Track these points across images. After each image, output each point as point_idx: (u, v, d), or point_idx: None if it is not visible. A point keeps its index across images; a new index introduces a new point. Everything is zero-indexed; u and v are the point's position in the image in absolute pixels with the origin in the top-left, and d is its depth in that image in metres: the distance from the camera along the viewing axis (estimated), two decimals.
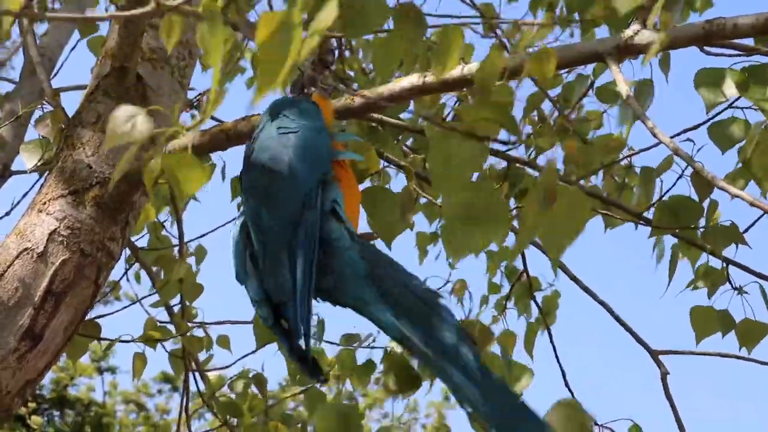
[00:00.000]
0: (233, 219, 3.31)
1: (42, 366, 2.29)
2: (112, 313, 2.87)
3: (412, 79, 2.05)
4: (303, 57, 1.12)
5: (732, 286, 2.37)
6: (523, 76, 1.58)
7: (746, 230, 2.27)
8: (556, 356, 2.30)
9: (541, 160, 2.41)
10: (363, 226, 2.31)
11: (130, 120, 1.43)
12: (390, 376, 3.54)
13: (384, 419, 16.03)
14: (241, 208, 2.07)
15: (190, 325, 3.02)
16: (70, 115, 2.50)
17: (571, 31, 4.32)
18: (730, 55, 2.01)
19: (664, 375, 2.12)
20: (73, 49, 3.24)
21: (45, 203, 2.32)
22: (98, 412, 13.84)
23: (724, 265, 2.35)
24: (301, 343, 1.93)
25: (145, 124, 1.44)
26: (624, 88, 1.80)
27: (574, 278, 2.34)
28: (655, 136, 1.74)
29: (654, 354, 2.16)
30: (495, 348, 2.34)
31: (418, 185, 2.33)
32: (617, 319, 2.23)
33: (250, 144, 2.12)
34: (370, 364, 3.44)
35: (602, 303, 2.25)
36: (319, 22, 1.12)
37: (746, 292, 2.38)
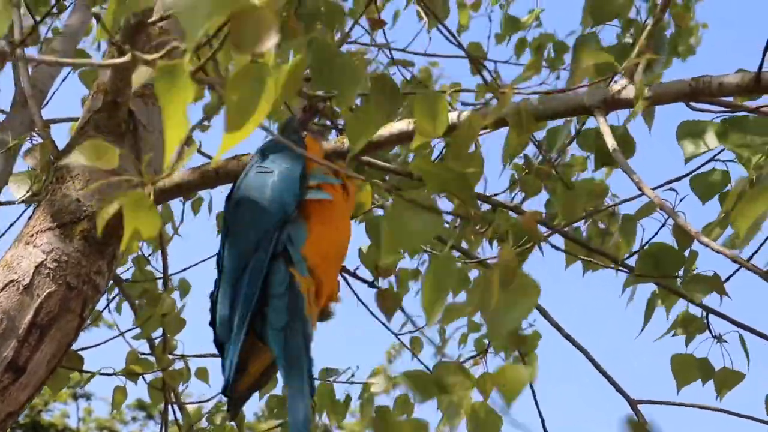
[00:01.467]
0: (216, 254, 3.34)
1: (24, 398, 2.29)
2: (96, 345, 2.88)
3: (401, 126, 2.08)
4: (267, 110, 1.13)
5: (711, 334, 2.40)
6: (511, 141, 1.62)
7: (727, 280, 2.30)
8: (536, 401, 2.32)
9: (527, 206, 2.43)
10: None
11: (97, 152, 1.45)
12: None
13: None
14: None
15: (170, 357, 3.04)
16: (60, 147, 2.52)
17: (557, 74, 4.38)
18: (715, 112, 2.04)
19: (642, 425, 2.14)
20: (64, 80, 3.26)
21: (32, 236, 2.33)
22: None
23: (704, 313, 2.37)
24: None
25: (112, 155, 1.45)
26: (611, 142, 1.83)
27: (555, 325, 2.37)
28: (640, 189, 1.77)
29: (633, 404, 2.18)
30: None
31: None
32: (597, 367, 2.25)
33: (235, 182, 2.15)
34: (347, 399, 3.47)
35: (583, 350, 2.28)
36: (284, 70, 1.14)
37: (725, 341, 2.41)
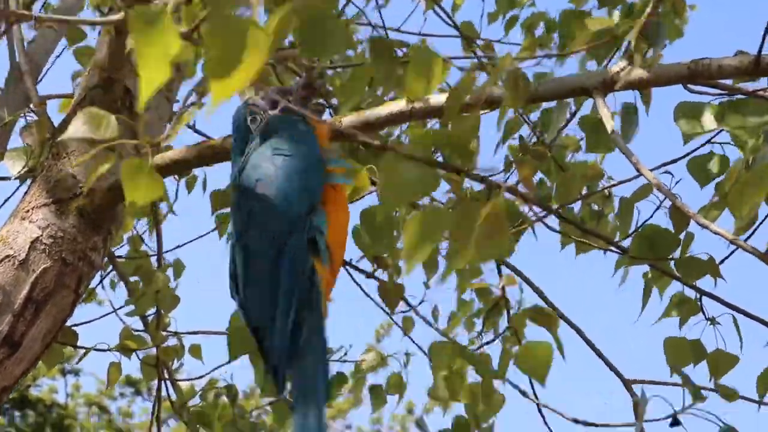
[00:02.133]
0: (211, 231, 3.34)
1: (19, 373, 2.30)
2: (90, 321, 2.88)
3: (400, 105, 2.08)
4: (257, 62, 1.10)
5: (705, 316, 2.41)
6: (502, 106, 1.61)
7: (721, 262, 2.31)
8: (530, 381, 2.33)
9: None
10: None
11: (94, 121, 1.43)
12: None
13: (347, 430, 16.04)
14: (230, 225, 2.09)
15: (164, 334, 3.04)
16: (55, 124, 2.52)
17: (549, 53, 4.37)
18: (712, 94, 2.04)
19: (636, 404, 2.15)
20: (58, 57, 3.25)
21: (28, 211, 2.33)
22: (60, 414, 13.76)
23: (698, 296, 2.38)
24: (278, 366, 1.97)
25: (112, 125, 1.44)
26: (609, 123, 1.83)
27: (551, 305, 2.37)
28: (638, 170, 1.78)
29: (627, 383, 2.19)
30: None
31: None
32: (592, 347, 2.26)
33: (240, 159, 2.12)
34: (341, 377, 3.48)
35: (577, 330, 2.29)
36: (270, 25, 1.12)
37: (719, 323, 2.41)
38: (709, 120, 2.02)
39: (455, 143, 1.29)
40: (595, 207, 2.79)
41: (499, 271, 2.34)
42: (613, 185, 2.55)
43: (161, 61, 1.08)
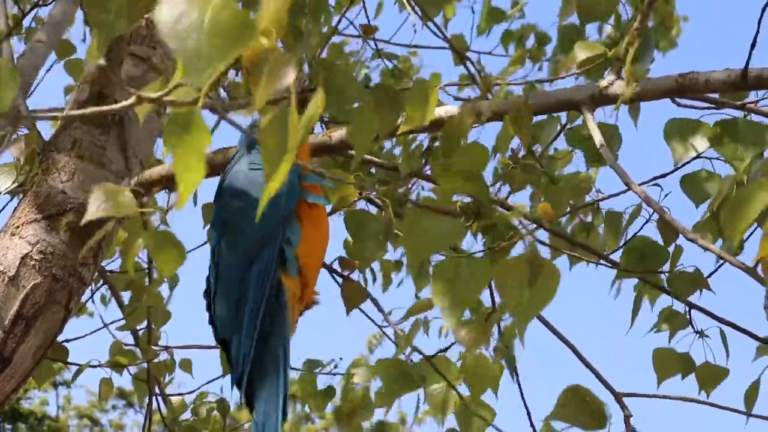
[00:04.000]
0: (202, 244, 3.34)
1: (9, 389, 2.29)
2: (82, 337, 2.87)
3: None
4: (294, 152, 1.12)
5: (694, 329, 2.42)
6: (503, 136, 1.63)
7: (709, 276, 2.32)
8: (522, 394, 2.33)
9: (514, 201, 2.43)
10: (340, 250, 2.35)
11: (112, 197, 1.44)
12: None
13: None
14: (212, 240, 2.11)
15: (155, 348, 3.04)
16: (45, 138, 2.51)
17: (539, 65, 4.39)
18: (700, 108, 2.05)
19: (627, 417, 2.15)
20: (48, 70, 3.25)
21: (18, 227, 2.33)
22: (51, 426, 13.76)
23: (687, 309, 2.39)
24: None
25: (129, 201, 1.45)
26: (598, 138, 1.84)
27: (541, 319, 2.38)
28: (627, 185, 1.79)
29: (618, 396, 2.19)
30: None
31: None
32: (583, 360, 2.27)
33: (223, 174, 2.15)
34: (330, 390, 3.48)
35: (568, 344, 2.29)
36: (310, 112, 1.13)
37: (707, 336, 2.43)
38: (701, 142, 2.02)
39: (476, 186, 1.30)
40: (585, 219, 2.80)
41: (489, 285, 2.33)
42: (603, 199, 2.55)
43: (197, 161, 1.10)
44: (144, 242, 1.56)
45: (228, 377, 3.30)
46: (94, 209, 1.37)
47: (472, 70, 3.31)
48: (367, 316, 2.66)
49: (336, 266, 2.48)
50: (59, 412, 14.30)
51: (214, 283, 2.05)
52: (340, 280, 2.45)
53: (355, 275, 2.49)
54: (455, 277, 1.26)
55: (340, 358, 3.47)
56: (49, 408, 14.08)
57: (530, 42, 4.42)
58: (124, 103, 1.34)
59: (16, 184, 2.48)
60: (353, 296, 2.39)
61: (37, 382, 2.76)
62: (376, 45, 3.69)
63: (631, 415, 2.17)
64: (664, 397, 2.26)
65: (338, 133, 2.07)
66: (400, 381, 2.38)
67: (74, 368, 3.01)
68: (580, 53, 1.86)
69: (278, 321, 2.02)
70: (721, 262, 2.29)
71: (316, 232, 2.05)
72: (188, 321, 3.18)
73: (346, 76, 1.34)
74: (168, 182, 2.31)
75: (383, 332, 3.16)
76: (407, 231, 1.28)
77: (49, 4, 3.03)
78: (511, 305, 1.25)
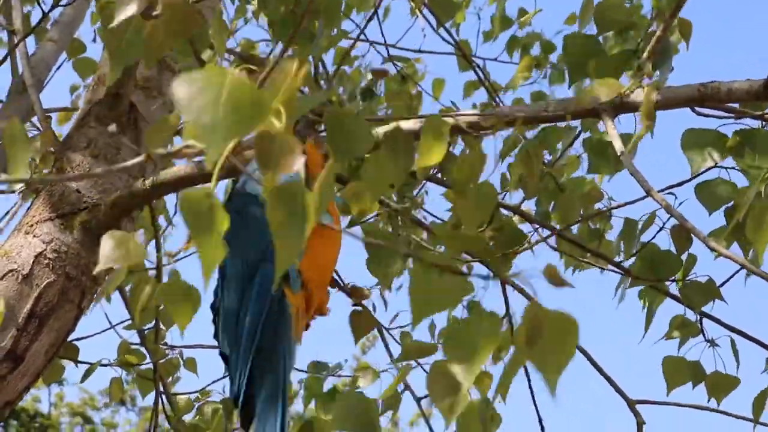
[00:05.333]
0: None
1: (21, 387, 2.30)
2: (89, 336, 2.87)
3: (410, 125, 2.08)
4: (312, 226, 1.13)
5: (705, 338, 2.42)
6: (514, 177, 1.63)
7: (722, 285, 2.33)
8: (534, 400, 2.33)
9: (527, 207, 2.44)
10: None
11: (122, 245, 1.45)
12: None
13: None
14: None
15: (163, 348, 3.03)
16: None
17: (544, 73, 4.40)
18: (719, 117, 2.06)
19: (640, 425, 2.16)
20: (58, 68, 3.26)
21: (32, 225, 2.33)
22: (43, 424, 13.71)
23: (698, 317, 2.40)
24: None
25: (139, 249, 1.46)
26: (618, 145, 1.85)
27: None
28: (647, 192, 1.79)
29: (631, 404, 2.20)
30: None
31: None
32: (596, 367, 2.27)
33: (231, 183, 2.14)
34: (334, 391, 3.48)
35: (582, 350, 2.29)
36: (322, 182, 1.14)
37: (718, 345, 2.43)
38: (719, 153, 2.03)
39: (479, 246, 1.30)
40: (594, 226, 2.80)
41: (504, 290, 2.34)
42: (616, 207, 2.55)
43: (216, 241, 1.12)
44: (156, 295, 1.57)
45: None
46: (105, 259, 1.38)
47: (480, 75, 3.33)
48: (379, 322, 2.65)
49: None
50: (51, 410, 14.27)
51: (216, 296, 2.04)
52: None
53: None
54: (466, 339, 1.25)
55: (346, 360, 3.48)
56: (41, 405, 14.05)
57: (535, 50, 4.43)
58: (133, 161, 1.33)
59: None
60: (362, 326, 2.38)
61: (46, 381, 2.76)
62: (388, 51, 3.70)
63: (644, 422, 2.18)
64: (677, 404, 2.27)
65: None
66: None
67: (66, 366, 3.01)
68: (601, 92, 1.87)
69: (281, 334, 2.02)
70: (734, 271, 2.31)
71: (323, 245, 2.04)
72: (193, 321, 3.18)
73: (357, 122, 1.34)
74: (180, 185, 2.30)
75: (393, 336, 3.16)
76: (413, 288, 1.28)
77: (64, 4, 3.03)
78: (522, 362, 1.24)
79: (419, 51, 4.07)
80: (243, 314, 1.97)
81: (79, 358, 2.96)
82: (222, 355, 2.08)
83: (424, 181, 2.72)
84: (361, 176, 1.49)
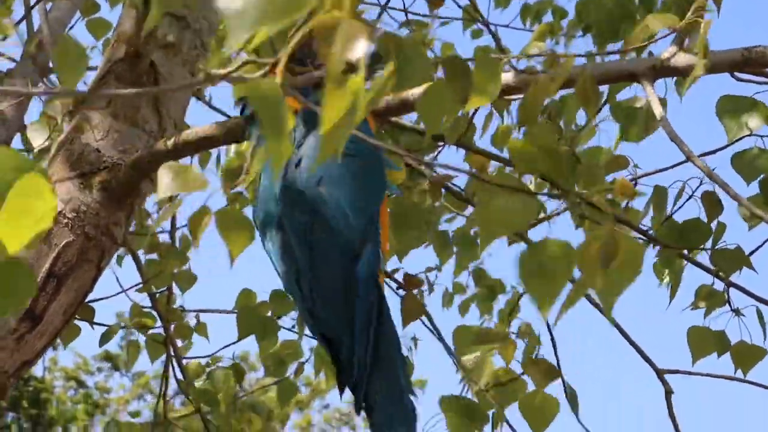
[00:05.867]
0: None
1: (40, 347, 2.27)
2: (104, 298, 2.83)
3: None
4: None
5: (731, 308, 2.40)
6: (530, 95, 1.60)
7: (752, 253, 2.30)
8: (560, 370, 2.30)
9: None
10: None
11: (182, 175, 1.42)
12: None
13: (324, 409, 16.07)
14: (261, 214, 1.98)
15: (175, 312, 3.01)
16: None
17: (556, 39, 4.36)
18: (759, 82, 2.02)
19: (668, 393, 2.14)
20: (71, 28, 3.21)
21: None
22: (37, 387, 13.72)
23: (726, 287, 2.37)
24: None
25: (198, 177, 1.42)
26: (658, 110, 1.81)
27: (587, 296, 2.34)
28: (688, 157, 1.76)
29: (660, 373, 2.18)
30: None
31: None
32: (626, 336, 2.25)
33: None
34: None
35: (612, 320, 2.26)
36: (379, 82, 1.09)
37: (743, 315, 2.41)
38: (755, 119, 1.99)
39: (553, 164, 1.26)
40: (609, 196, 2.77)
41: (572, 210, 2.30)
42: (644, 175, 2.52)
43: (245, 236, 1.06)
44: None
45: (241, 342, 3.28)
46: (164, 187, 1.34)
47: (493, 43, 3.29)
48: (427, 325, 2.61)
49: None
50: (45, 374, 14.27)
51: (311, 276, 1.90)
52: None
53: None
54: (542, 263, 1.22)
55: None
56: (35, 369, 14.04)
57: (547, 17, 4.40)
58: (192, 80, 1.30)
59: (48, 142, 2.44)
60: (412, 310, 2.34)
61: (63, 342, 2.73)
62: (406, 15, 3.65)
63: (672, 392, 2.15)
64: (706, 375, 2.25)
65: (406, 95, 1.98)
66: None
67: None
68: (654, 24, 1.82)
69: (387, 319, 1.95)
70: (765, 240, 2.28)
71: (385, 218, 1.97)
72: (201, 286, 3.15)
73: (416, 49, 1.30)
74: (207, 144, 2.26)
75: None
76: (480, 210, 1.24)
77: None
78: (590, 285, 1.21)
79: (428, 16, 4.03)
80: (349, 299, 1.86)
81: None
82: (323, 338, 1.95)
83: (439, 147, 2.68)
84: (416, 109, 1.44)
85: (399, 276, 2.44)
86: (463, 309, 4.15)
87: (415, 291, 2.28)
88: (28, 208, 0.94)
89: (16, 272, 0.96)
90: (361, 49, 1.03)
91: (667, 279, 2.48)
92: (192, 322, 3.12)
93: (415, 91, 2.07)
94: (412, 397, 1.90)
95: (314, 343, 3.52)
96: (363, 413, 1.89)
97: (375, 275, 1.88)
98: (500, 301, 4.06)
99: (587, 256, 1.14)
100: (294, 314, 3.30)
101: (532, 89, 1.51)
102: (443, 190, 2.47)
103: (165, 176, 1.34)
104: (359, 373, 1.84)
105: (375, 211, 1.90)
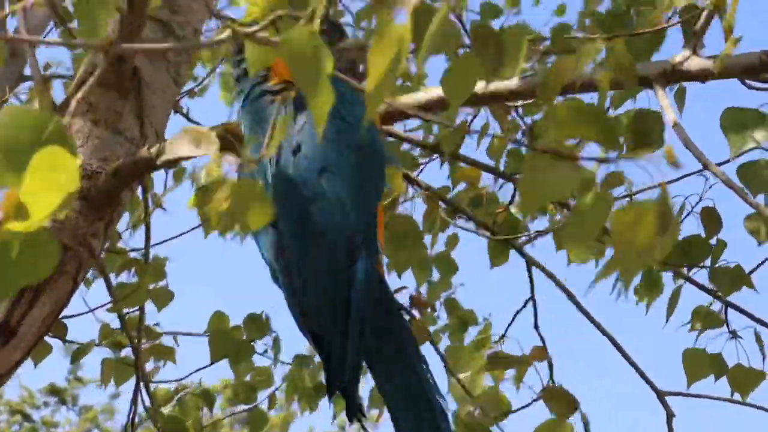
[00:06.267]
0: (195, 227, 3.23)
1: (14, 361, 2.17)
2: (73, 316, 2.72)
3: (438, 92, 1.98)
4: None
5: (728, 329, 2.35)
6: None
7: (752, 272, 2.25)
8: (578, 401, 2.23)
9: None
10: None
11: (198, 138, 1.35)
12: None
13: None
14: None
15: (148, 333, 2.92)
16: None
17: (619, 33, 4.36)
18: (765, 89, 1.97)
19: (670, 416, 2.08)
20: (47, 33, 3.14)
21: None
22: None
23: (723, 307, 2.32)
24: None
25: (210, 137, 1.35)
26: (671, 116, 1.75)
27: (585, 313, 2.28)
28: (704, 166, 1.71)
29: (660, 395, 2.12)
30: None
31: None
32: (626, 357, 2.18)
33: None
34: (320, 387, 3.39)
35: (612, 340, 2.20)
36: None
37: (740, 337, 2.36)
38: (763, 134, 1.93)
39: (600, 127, 1.19)
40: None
41: (529, 271, 2.25)
42: (639, 191, 2.46)
43: (326, 85, 1.03)
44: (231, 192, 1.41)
45: (210, 367, 3.19)
46: (178, 148, 1.26)
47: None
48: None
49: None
50: None
51: (303, 271, 1.80)
52: None
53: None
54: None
55: None
56: None
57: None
58: (219, 37, 1.24)
59: None
60: (418, 335, 2.27)
61: (34, 360, 2.63)
62: None
63: (674, 415, 2.09)
64: (708, 397, 2.19)
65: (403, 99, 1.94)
66: None
67: None
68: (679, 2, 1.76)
69: (394, 313, 1.88)
70: (765, 259, 2.24)
71: (381, 215, 1.89)
72: (173, 306, 3.06)
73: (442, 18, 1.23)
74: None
75: None
76: (525, 176, 1.18)
77: None
78: (624, 254, 1.15)
79: None
80: (341, 296, 1.76)
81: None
82: (311, 335, 1.86)
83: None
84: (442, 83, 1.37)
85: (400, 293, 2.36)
86: (435, 338, 4.11)
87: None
88: (53, 166, 0.87)
89: (43, 241, 0.88)
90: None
91: (646, 299, 2.43)
92: (177, 341, 3.02)
93: (425, 94, 2.01)
94: (438, 398, 1.81)
95: (287, 369, 3.45)
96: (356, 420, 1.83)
97: (375, 274, 1.81)
98: (471, 333, 4.01)
99: (646, 222, 1.08)
100: (268, 339, 3.23)
101: (554, 66, 1.43)
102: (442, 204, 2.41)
103: (182, 139, 1.26)
104: (349, 375, 1.75)
105: (375, 207, 1.83)
